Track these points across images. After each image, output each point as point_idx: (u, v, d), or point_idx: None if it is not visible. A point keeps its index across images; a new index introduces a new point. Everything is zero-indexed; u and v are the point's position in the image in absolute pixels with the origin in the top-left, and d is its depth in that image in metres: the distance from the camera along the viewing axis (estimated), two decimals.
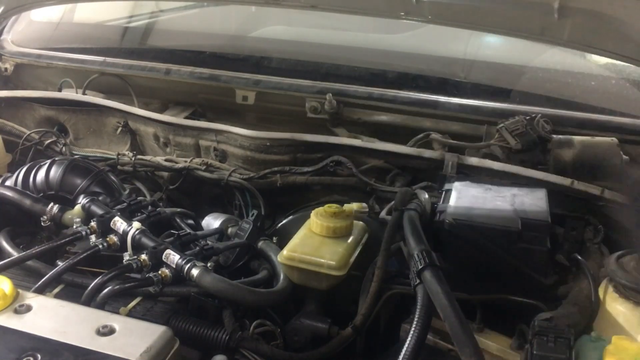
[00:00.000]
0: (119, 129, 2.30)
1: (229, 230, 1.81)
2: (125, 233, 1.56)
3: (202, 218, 1.91)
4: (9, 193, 1.75)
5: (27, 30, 2.82)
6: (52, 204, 1.72)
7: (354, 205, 1.79)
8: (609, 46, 1.69)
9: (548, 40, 1.83)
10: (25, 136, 2.29)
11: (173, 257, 1.48)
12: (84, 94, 2.48)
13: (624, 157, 1.83)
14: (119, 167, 2.16)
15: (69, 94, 2.49)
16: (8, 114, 2.43)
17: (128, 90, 2.50)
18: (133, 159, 2.15)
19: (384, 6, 1.91)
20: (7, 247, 1.60)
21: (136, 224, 1.56)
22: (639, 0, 1.56)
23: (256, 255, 1.76)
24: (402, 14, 1.86)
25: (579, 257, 1.52)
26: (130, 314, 1.38)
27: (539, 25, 1.71)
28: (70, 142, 2.37)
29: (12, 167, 2.16)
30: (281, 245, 1.69)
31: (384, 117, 2.24)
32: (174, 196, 2.18)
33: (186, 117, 2.40)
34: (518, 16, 1.74)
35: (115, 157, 2.17)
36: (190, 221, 1.88)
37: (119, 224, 1.58)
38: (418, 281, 1.28)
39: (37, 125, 2.41)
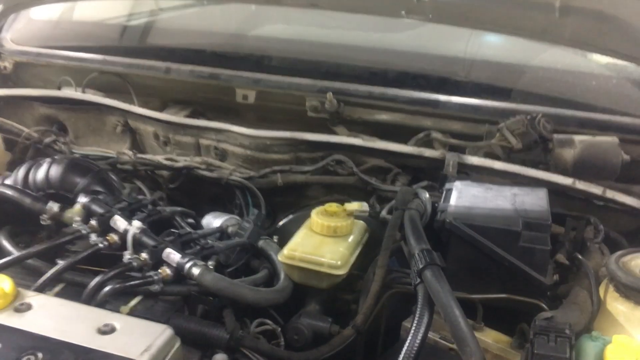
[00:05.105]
0: (119, 128, 2.30)
1: (230, 229, 1.81)
2: (126, 232, 1.55)
3: (203, 217, 1.90)
4: (8, 192, 1.74)
5: (26, 29, 2.81)
6: (52, 202, 1.71)
7: (355, 205, 1.79)
8: (610, 45, 1.69)
9: (549, 39, 1.83)
10: (24, 134, 2.28)
11: (173, 256, 1.48)
12: (83, 92, 2.47)
13: (625, 156, 1.83)
14: (118, 165, 2.15)
15: (68, 92, 2.48)
16: (7, 113, 2.42)
17: (127, 88, 2.49)
18: (133, 157, 2.15)
19: (384, 5, 1.92)
20: (7, 245, 1.59)
21: (136, 223, 1.56)
22: (639, 0, 1.56)
23: (257, 254, 1.76)
24: (403, 12, 1.86)
25: (580, 257, 1.52)
26: (131, 313, 1.38)
27: (540, 24, 1.71)
28: (70, 140, 2.36)
29: (12, 166, 2.15)
30: (282, 244, 1.69)
31: (384, 116, 2.23)
32: (174, 195, 2.18)
33: (186, 116, 2.39)
34: (519, 15, 1.74)
35: (115, 155, 2.16)
36: (191, 220, 1.87)
37: (119, 222, 1.58)
38: (419, 280, 1.28)
39: (37, 124, 2.40)
